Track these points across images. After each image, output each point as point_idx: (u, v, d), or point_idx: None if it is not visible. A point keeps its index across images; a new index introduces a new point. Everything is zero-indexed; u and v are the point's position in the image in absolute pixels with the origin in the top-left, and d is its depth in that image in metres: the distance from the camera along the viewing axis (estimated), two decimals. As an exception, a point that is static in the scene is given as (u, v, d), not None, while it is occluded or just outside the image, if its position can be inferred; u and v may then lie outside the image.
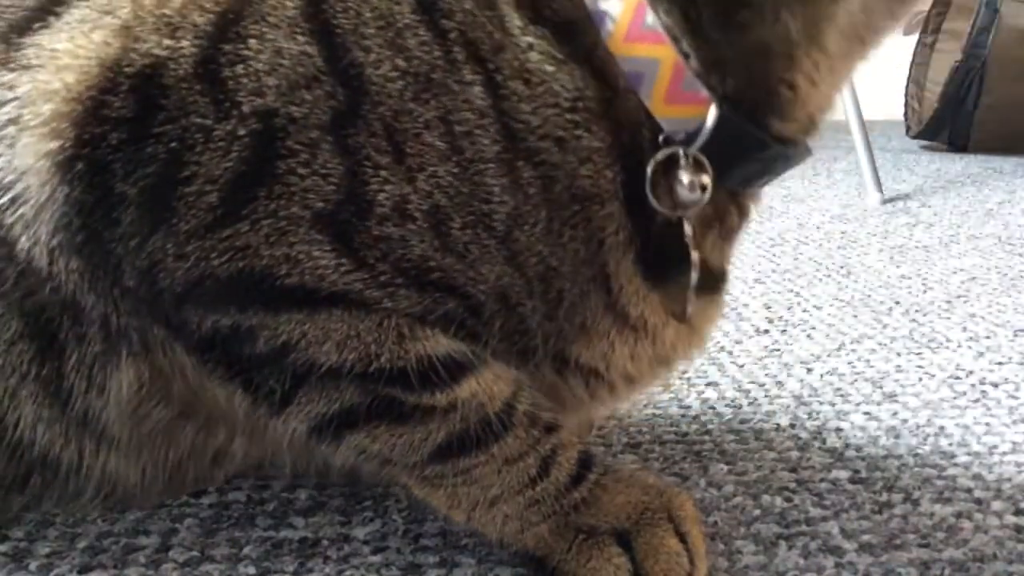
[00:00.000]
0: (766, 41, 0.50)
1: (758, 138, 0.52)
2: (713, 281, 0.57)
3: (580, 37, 0.50)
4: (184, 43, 0.48)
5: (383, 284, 0.49)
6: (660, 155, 0.51)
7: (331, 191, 0.48)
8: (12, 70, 0.50)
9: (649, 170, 0.50)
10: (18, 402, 0.54)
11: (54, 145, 0.48)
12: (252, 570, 0.58)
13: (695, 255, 0.53)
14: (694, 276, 0.53)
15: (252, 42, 0.48)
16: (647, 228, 0.52)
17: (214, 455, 0.61)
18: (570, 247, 0.51)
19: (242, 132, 0.47)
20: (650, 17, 0.49)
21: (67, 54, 0.49)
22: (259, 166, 0.47)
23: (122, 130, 0.48)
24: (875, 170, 1.90)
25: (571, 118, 0.49)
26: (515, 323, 0.52)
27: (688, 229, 0.52)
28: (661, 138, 0.51)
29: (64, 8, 0.51)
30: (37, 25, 0.51)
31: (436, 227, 0.49)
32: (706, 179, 0.51)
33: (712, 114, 0.50)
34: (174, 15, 0.49)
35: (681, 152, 0.50)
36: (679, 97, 0.50)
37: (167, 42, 0.48)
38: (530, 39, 0.49)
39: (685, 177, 0.50)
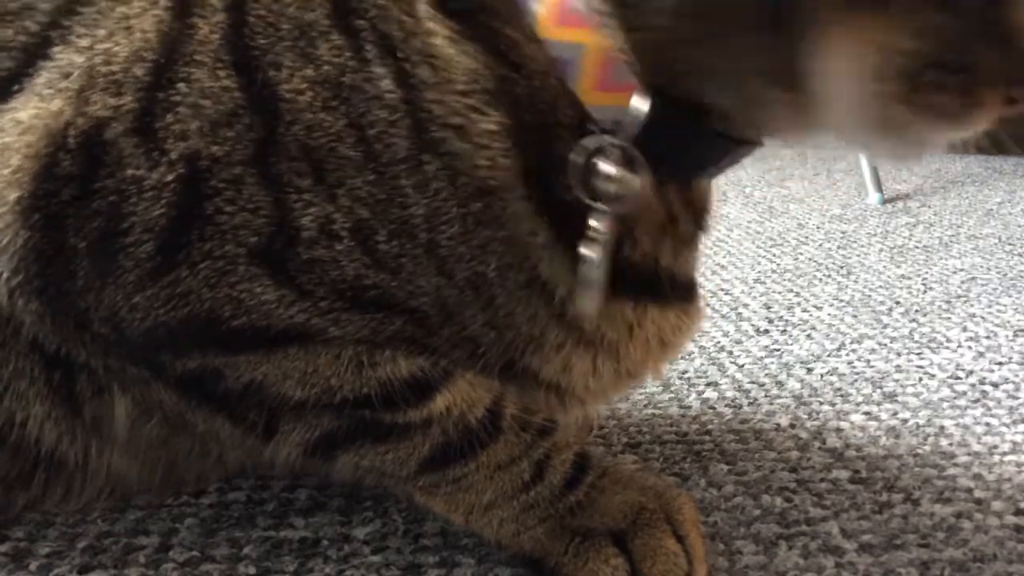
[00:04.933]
0: None
1: (694, 130, 0.48)
2: (682, 291, 0.55)
3: (486, 17, 0.47)
4: (127, 99, 0.48)
5: (324, 311, 0.49)
6: (588, 142, 0.47)
7: (262, 224, 0.48)
8: None
9: (572, 157, 0.47)
10: (26, 402, 0.54)
11: (16, 195, 0.49)
12: (252, 570, 0.58)
13: (593, 252, 0.47)
14: (593, 275, 0.48)
15: (181, 86, 0.48)
16: (580, 230, 0.48)
17: (212, 458, 0.62)
18: (490, 249, 0.48)
19: (170, 178, 0.47)
20: (577, 1, 0.46)
21: (29, 119, 0.50)
22: (189, 210, 0.48)
23: (72, 187, 0.48)
24: (875, 170, 1.89)
25: (467, 102, 0.47)
26: (461, 335, 0.51)
27: (601, 223, 0.47)
28: (597, 128, 0.47)
29: (35, 70, 0.51)
30: (15, 88, 0.51)
31: (363, 243, 0.48)
32: (627, 173, 0.46)
33: (640, 103, 0.46)
34: (119, 71, 0.49)
35: (609, 141, 0.47)
36: (611, 84, 0.47)
37: (111, 101, 0.48)
38: (433, 24, 0.47)
39: (604, 167, 0.46)
